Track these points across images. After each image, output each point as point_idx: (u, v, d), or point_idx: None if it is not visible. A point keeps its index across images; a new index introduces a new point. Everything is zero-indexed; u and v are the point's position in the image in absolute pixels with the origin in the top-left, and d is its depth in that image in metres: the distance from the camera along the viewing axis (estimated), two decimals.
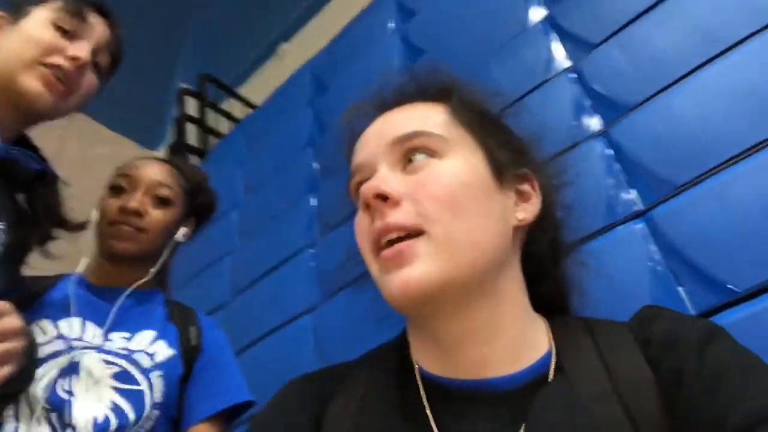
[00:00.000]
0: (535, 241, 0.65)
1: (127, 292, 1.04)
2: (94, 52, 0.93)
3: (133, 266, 1.07)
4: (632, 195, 1.11)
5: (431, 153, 0.60)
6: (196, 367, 1.04)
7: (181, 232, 1.12)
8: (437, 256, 0.54)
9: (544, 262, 0.67)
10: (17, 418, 0.89)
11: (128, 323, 1.02)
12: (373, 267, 0.59)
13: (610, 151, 1.18)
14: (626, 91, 1.22)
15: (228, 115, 3.19)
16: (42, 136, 0.99)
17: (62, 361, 0.93)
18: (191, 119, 3.02)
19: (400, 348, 0.66)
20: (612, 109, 1.23)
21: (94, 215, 1.05)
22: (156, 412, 0.95)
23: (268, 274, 1.85)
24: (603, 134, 1.22)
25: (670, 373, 0.54)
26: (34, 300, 1.00)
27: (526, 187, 0.65)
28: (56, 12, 0.91)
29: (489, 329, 0.58)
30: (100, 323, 1.00)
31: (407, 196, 0.57)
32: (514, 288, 0.61)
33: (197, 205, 1.17)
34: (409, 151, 0.60)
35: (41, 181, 0.94)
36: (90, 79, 0.94)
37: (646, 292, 1.00)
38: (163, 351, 1.01)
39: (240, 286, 1.92)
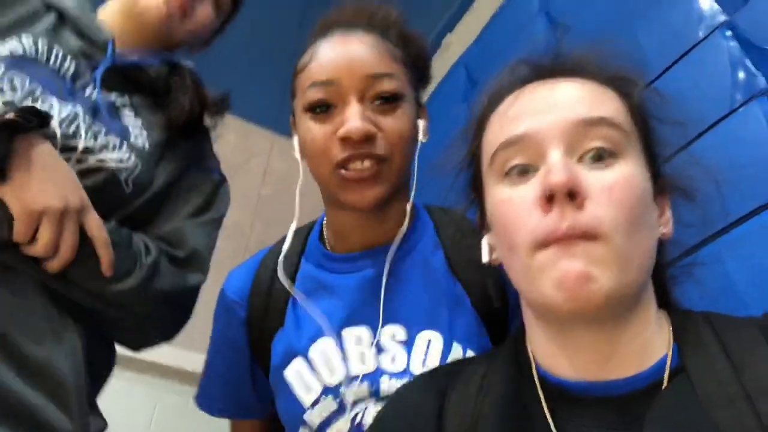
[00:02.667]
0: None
1: (392, 252, 0.81)
2: None
3: (384, 212, 0.79)
4: None
5: (614, 149, 0.55)
6: (511, 329, 0.81)
7: (421, 126, 0.84)
8: (614, 268, 0.51)
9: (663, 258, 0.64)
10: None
11: (397, 308, 0.80)
12: (527, 258, 0.54)
13: None
14: None
15: None
16: None
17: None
18: None
19: (515, 342, 0.65)
20: None
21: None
22: None
23: None
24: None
25: None
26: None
27: (664, 199, 0.62)
28: None
29: (626, 334, 0.56)
30: (364, 325, 0.79)
31: (591, 199, 0.53)
32: (649, 292, 0.59)
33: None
34: (593, 141, 0.55)
35: (174, 74, 0.96)
36: (207, 10, 0.96)
37: None
38: (458, 355, 0.77)
39: None
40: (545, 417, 0.56)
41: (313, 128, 0.77)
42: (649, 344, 0.57)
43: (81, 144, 0.77)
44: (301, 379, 0.78)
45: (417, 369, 0.74)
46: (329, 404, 0.77)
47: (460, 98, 2.21)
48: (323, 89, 0.77)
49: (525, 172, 0.57)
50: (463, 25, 3.50)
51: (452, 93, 2.31)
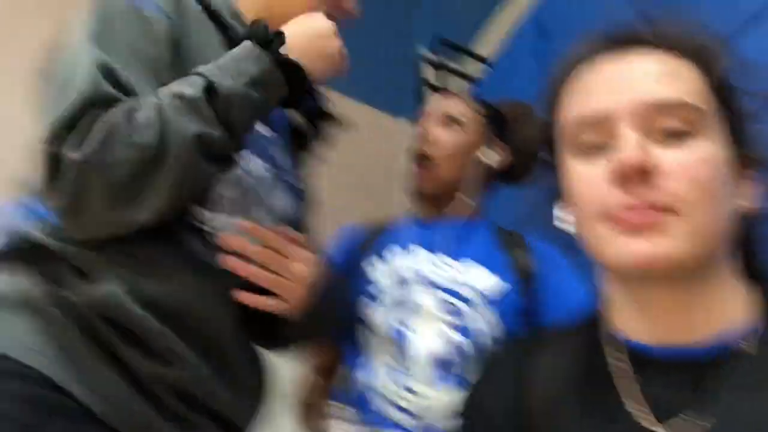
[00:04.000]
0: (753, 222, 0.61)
1: (451, 222, 1.07)
2: None
3: (445, 198, 1.09)
4: None
5: (689, 128, 0.55)
6: (539, 296, 1.01)
7: (489, 156, 1.10)
8: (686, 238, 0.53)
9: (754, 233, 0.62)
10: (362, 347, 0.97)
11: (453, 251, 1.04)
12: (597, 228, 0.56)
13: None
14: None
15: (463, 75, 3.24)
16: None
17: (396, 294, 0.99)
18: (430, 86, 3.14)
19: (597, 311, 0.66)
20: None
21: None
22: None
23: None
24: None
25: None
26: (367, 244, 1.07)
27: (751, 172, 0.60)
28: None
29: (698, 299, 0.57)
30: (430, 250, 1.05)
31: (666, 176, 0.53)
32: (727, 267, 0.59)
33: (508, 132, 1.13)
34: (668, 121, 0.55)
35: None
36: None
37: None
38: (488, 281, 1.00)
39: None
40: (626, 378, 0.58)
41: None
42: (730, 312, 0.58)
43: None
44: None
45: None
46: None
47: (527, 53, 2.13)
48: None
49: (599, 148, 0.57)
50: None
51: (520, 48, 2.22)
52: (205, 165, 0.71)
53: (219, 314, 0.76)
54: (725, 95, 0.58)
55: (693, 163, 0.54)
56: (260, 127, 0.84)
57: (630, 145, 0.54)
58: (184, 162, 0.68)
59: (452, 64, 3.33)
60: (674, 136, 0.55)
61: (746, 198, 0.59)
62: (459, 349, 0.94)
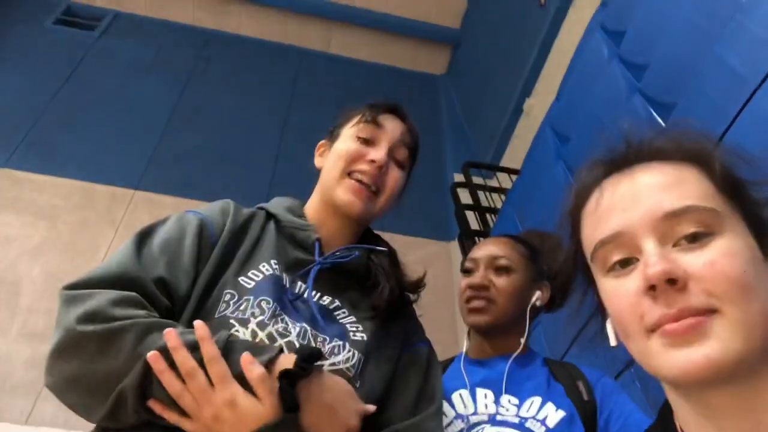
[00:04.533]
0: None
1: (511, 359, 1.12)
2: (391, 149, 0.99)
3: (501, 336, 1.16)
4: None
5: (707, 229, 0.56)
6: (599, 425, 1.07)
7: (536, 296, 1.17)
8: (732, 336, 0.52)
9: None
10: None
11: (514, 389, 1.10)
12: (642, 343, 0.56)
13: None
14: None
15: (498, 190, 3.37)
16: None
17: None
18: (468, 206, 3.28)
19: (667, 421, 0.65)
20: None
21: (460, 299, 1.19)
22: None
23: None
24: None
25: None
26: None
27: None
28: (357, 125, 1.00)
29: (761, 399, 0.56)
30: (490, 390, 1.10)
31: (694, 278, 0.54)
32: None
33: (544, 267, 1.21)
34: (684, 227, 0.56)
35: (373, 258, 1.00)
36: (394, 175, 0.99)
37: None
38: (553, 414, 1.06)
39: None
40: None
41: None
42: None
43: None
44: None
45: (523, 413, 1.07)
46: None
47: (554, 157, 2.23)
48: None
49: (627, 263, 0.59)
50: (540, 85, 3.58)
51: (545, 154, 2.33)
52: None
53: None
54: (734, 188, 0.59)
55: (721, 260, 0.54)
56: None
57: (652, 257, 0.55)
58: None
59: (481, 182, 3.49)
60: (695, 240, 0.55)
61: None
62: None
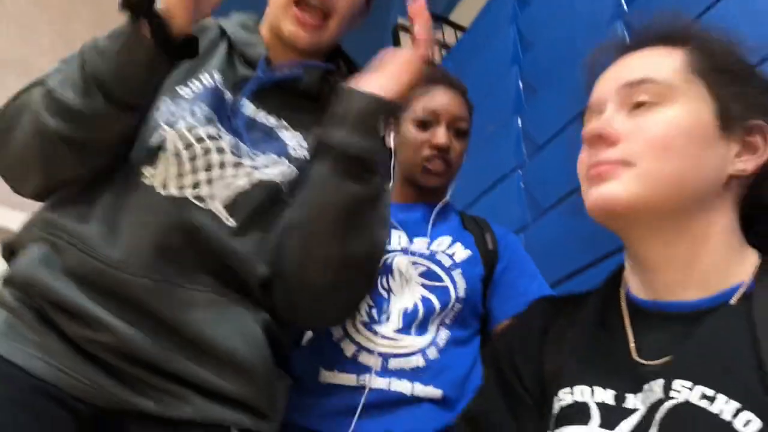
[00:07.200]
0: (762, 186, 0.67)
1: (436, 210, 1.16)
2: None
3: (433, 191, 1.18)
4: None
5: (656, 99, 0.64)
6: (497, 270, 1.13)
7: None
8: (635, 183, 0.62)
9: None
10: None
11: (429, 231, 1.14)
12: (583, 187, 0.68)
13: None
14: None
15: (442, 45, 3.24)
16: None
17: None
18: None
19: (617, 272, 0.75)
20: None
21: (391, 141, 1.05)
22: (459, 305, 1.06)
23: (479, 197, 1.92)
24: None
25: None
26: None
27: (755, 138, 0.65)
28: None
29: (685, 259, 0.64)
30: (404, 231, 1.13)
31: (625, 138, 0.64)
32: (717, 229, 0.64)
33: None
34: (635, 96, 0.65)
35: (328, 77, 0.97)
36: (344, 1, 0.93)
37: None
38: (461, 252, 1.11)
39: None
40: (625, 328, 0.67)
41: None
42: (722, 272, 0.63)
43: (248, 162, 0.85)
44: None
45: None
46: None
47: (508, 20, 2.14)
48: None
49: None
50: None
51: (499, 15, 2.23)
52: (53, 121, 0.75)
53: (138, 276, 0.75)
54: (709, 68, 0.66)
55: (650, 125, 0.63)
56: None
57: (600, 118, 0.66)
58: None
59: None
60: (642, 107, 0.65)
61: (745, 163, 0.65)
62: (429, 303, 1.04)
